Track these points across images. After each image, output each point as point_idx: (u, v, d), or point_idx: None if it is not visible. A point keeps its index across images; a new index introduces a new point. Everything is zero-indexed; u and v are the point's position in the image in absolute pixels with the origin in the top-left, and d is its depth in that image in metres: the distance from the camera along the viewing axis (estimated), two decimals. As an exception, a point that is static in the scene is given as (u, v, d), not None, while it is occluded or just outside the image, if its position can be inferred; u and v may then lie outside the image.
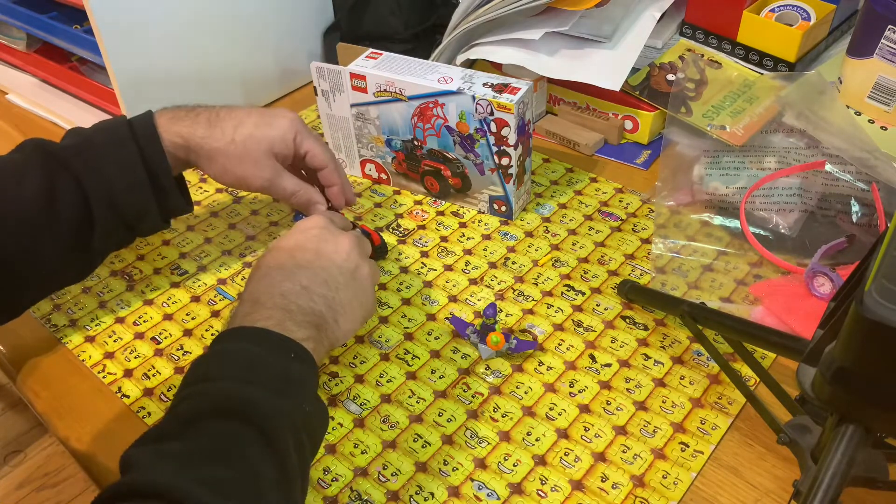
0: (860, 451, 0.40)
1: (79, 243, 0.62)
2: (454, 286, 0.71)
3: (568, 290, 0.70)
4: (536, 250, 0.75)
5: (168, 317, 0.70)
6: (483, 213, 0.80)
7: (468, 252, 0.75)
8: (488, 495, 0.54)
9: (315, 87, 0.81)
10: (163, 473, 0.40)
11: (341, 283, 0.57)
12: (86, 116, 0.97)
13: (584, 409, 0.60)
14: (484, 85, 0.72)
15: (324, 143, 0.69)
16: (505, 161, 0.74)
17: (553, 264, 0.73)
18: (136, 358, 0.67)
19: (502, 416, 0.60)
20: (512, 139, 0.72)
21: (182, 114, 0.66)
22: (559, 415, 0.59)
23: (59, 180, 0.60)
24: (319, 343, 0.53)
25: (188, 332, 0.69)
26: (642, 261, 0.73)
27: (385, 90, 0.76)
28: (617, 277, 0.71)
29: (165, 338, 0.68)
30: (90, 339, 0.69)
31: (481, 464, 0.56)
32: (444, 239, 0.77)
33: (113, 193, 0.61)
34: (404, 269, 0.74)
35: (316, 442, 0.50)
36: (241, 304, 0.54)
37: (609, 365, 0.63)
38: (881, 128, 0.78)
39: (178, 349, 0.67)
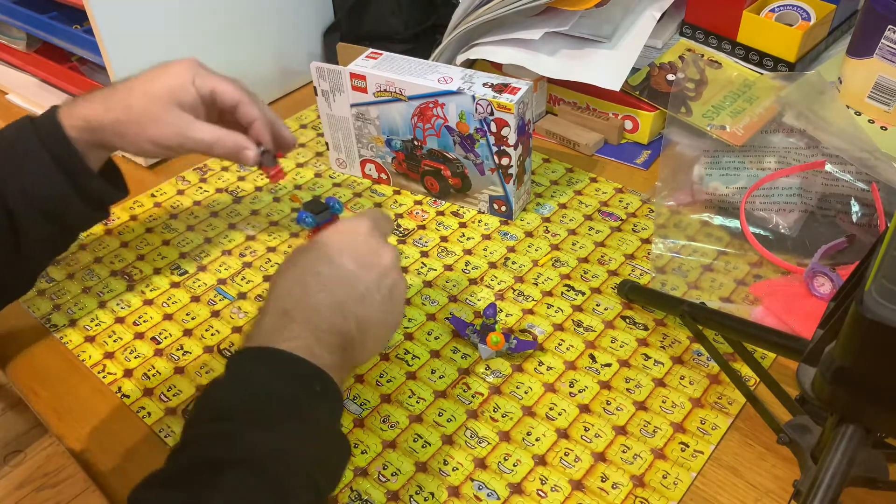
0: (860, 451, 0.40)
1: (5, 251, 0.59)
2: (454, 286, 0.71)
3: (568, 290, 0.70)
4: (536, 250, 0.75)
5: (168, 317, 0.70)
6: (483, 213, 0.80)
7: (468, 252, 0.75)
8: (488, 495, 0.54)
9: (315, 87, 0.81)
10: None
11: (377, 300, 0.52)
12: (86, 116, 0.97)
13: (584, 409, 0.60)
14: (484, 85, 0.72)
15: (233, 80, 0.63)
16: (505, 161, 0.74)
17: (553, 264, 0.73)
18: (136, 358, 0.67)
19: (502, 416, 0.60)
20: (512, 139, 0.72)
21: (81, 98, 0.62)
22: (559, 415, 0.59)
23: None
24: (344, 368, 0.50)
25: (188, 332, 0.69)
26: (642, 261, 0.73)
27: (385, 90, 0.76)
28: (617, 277, 0.71)
29: (165, 338, 0.68)
30: (90, 339, 0.69)
31: (481, 464, 0.56)
32: (444, 239, 0.77)
33: (24, 187, 0.59)
34: (404, 269, 0.74)
35: (334, 478, 0.48)
36: (269, 311, 0.50)
37: (609, 365, 0.63)
38: (881, 128, 0.78)
39: (178, 349, 0.67)
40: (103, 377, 0.65)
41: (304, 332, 0.48)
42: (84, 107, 0.61)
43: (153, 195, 0.86)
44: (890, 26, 0.73)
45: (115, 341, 0.68)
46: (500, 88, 0.72)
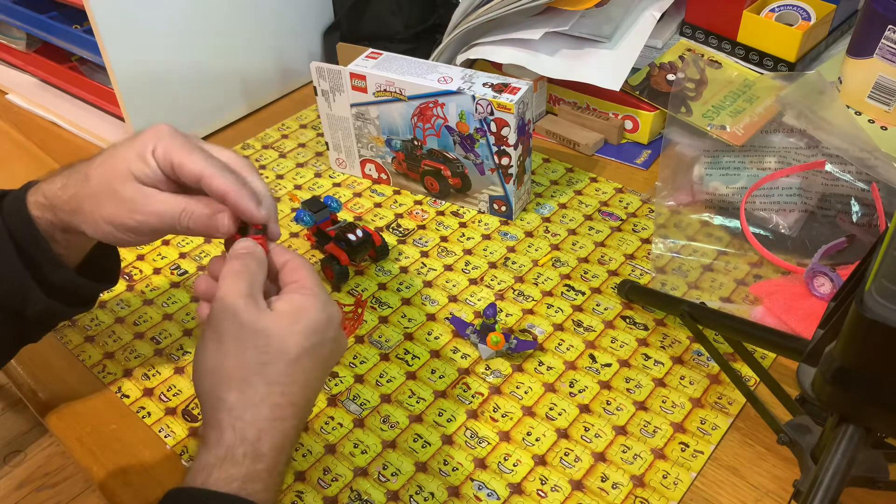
0: (860, 451, 0.40)
1: None
2: (454, 286, 0.71)
3: (568, 290, 0.70)
4: (536, 250, 0.75)
5: (168, 317, 0.70)
6: (483, 213, 0.80)
7: (468, 252, 0.75)
8: (488, 495, 0.54)
9: (315, 87, 0.81)
10: None
11: (322, 377, 0.48)
12: (86, 116, 0.97)
13: (584, 409, 0.60)
14: (484, 85, 0.72)
15: (206, 151, 0.51)
16: (505, 161, 0.74)
17: (553, 264, 0.73)
18: (136, 358, 0.67)
19: (502, 416, 0.60)
20: (512, 139, 0.72)
21: (53, 173, 0.54)
22: (559, 415, 0.59)
23: None
24: (288, 464, 0.47)
25: (188, 332, 0.69)
26: (642, 261, 0.73)
27: (385, 90, 0.76)
28: (617, 277, 0.71)
29: (165, 338, 0.68)
30: (90, 339, 0.69)
31: (481, 464, 0.56)
32: (444, 239, 0.77)
33: None
34: (404, 269, 0.74)
35: None
36: (210, 438, 0.44)
37: (609, 365, 0.63)
38: (881, 128, 0.78)
39: (178, 349, 0.67)
40: (103, 377, 0.65)
41: (245, 461, 0.43)
42: (49, 182, 0.53)
43: (153, 195, 0.86)
44: (890, 26, 0.73)
45: (115, 341, 0.68)
46: (500, 88, 0.72)
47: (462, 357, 0.65)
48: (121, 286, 0.74)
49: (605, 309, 0.68)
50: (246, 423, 0.43)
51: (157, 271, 0.75)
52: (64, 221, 0.52)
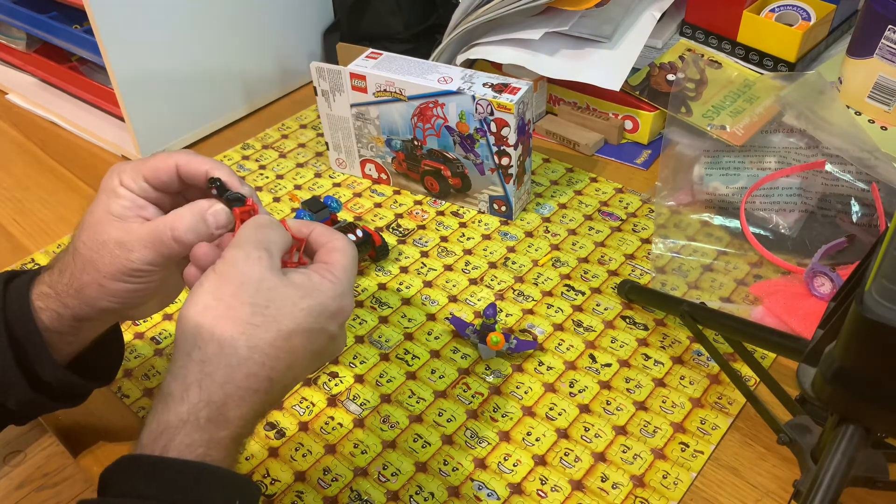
0: (860, 451, 0.40)
1: None
2: (454, 286, 0.71)
3: (568, 290, 0.70)
4: (536, 250, 0.75)
5: (168, 317, 0.70)
6: (483, 213, 0.80)
7: (468, 252, 0.75)
8: (488, 495, 0.54)
9: (315, 87, 0.81)
10: None
11: (308, 367, 0.45)
12: (86, 116, 0.97)
13: (584, 409, 0.60)
14: (484, 85, 0.72)
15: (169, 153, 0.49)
16: (505, 161, 0.74)
17: (553, 264, 0.73)
18: (136, 358, 0.67)
19: (502, 416, 0.60)
20: (512, 139, 0.72)
21: (52, 260, 0.51)
22: (559, 415, 0.59)
23: None
24: (250, 436, 0.44)
25: (188, 332, 0.69)
26: (642, 261, 0.73)
27: (385, 90, 0.76)
28: (617, 277, 0.71)
29: (165, 338, 0.68)
30: (90, 339, 0.69)
31: (481, 464, 0.56)
32: (444, 239, 0.77)
33: None
34: (404, 269, 0.74)
35: None
36: (190, 397, 0.41)
37: (609, 365, 0.63)
38: (881, 128, 0.78)
39: (178, 349, 0.67)
40: (103, 377, 0.65)
41: (228, 435, 0.41)
42: (49, 270, 0.50)
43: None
44: (890, 26, 0.73)
45: (115, 341, 0.68)
46: (500, 88, 0.72)
47: (462, 357, 0.65)
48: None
49: (605, 309, 0.68)
50: (215, 383, 0.40)
51: (157, 271, 0.75)
52: (72, 307, 0.48)
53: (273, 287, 0.42)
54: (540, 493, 0.54)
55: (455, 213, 0.80)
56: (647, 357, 0.63)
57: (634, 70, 0.86)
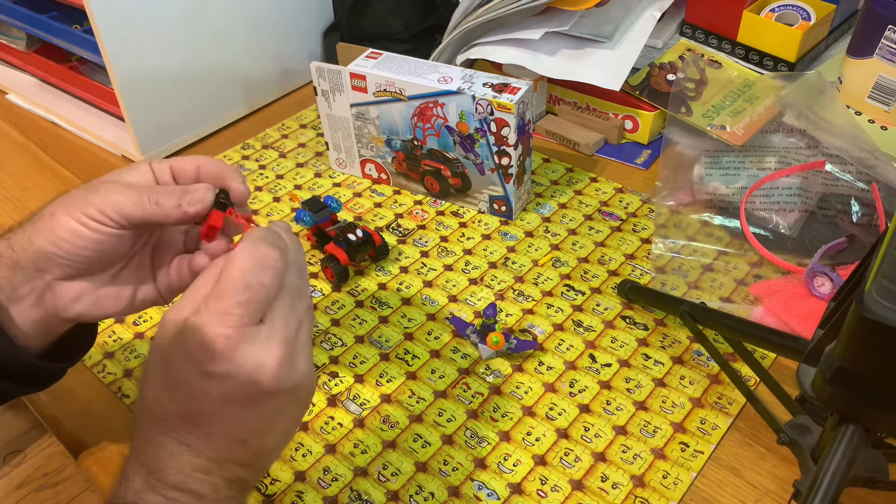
0: (860, 451, 0.40)
1: None
2: (454, 286, 0.71)
3: (568, 290, 0.70)
4: (536, 250, 0.75)
5: (168, 317, 0.70)
6: (483, 213, 0.80)
7: (468, 252, 0.75)
8: (488, 495, 0.54)
9: (315, 87, 0.81)
10: None
11: (289, 429, 0.43)
12: (86, 116, 0.97)
13: (584, 409, 0.60)
14: (484, 85, 0.72)
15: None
16: (505, 161, 0.74)
17: (553, 264, 0.73)
18: (136, 358, 0.67)
19: (502, 416, 0.60)
20: (512, 139, 0.72)
21: None
22: (559, 415, 0.59)
23: None
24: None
25: (188, 332, 0.69)
26: (642, 261, 0.73)
27: (385, 90, 0.76)
28: (617, 277, 0.71)
29: (165, 338, 0.68)
30: (90, 339, 0.69)
31: (481, 464, 0.56)
32: (444, 239, 0.77)
33: None
34: (404, 269, 0.74)
35: None
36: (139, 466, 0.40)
37: (609, 365, 0.63)
38: (881, 128, 0.78)
39: (178, 349, 0.67)
40: (103, 377, 0.65)
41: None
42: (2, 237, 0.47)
43: (153, 195, 0.86)
44: (890, 26, 0.73)
45: (115, 341, 0.68)
46: (500, 88, 0.72)
47: (462, 357, 0.65)
48: (121, 286, 0.73)
49: (605, 309, 0.68)
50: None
51: (157, 271, 0.75)
52: (24, 266, 0.46)
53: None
54: (540, 493, 0.54)
55: (455, 213, 0.80)
56: (647, 357, 0.63)
57: (634, 70, 0.86)
